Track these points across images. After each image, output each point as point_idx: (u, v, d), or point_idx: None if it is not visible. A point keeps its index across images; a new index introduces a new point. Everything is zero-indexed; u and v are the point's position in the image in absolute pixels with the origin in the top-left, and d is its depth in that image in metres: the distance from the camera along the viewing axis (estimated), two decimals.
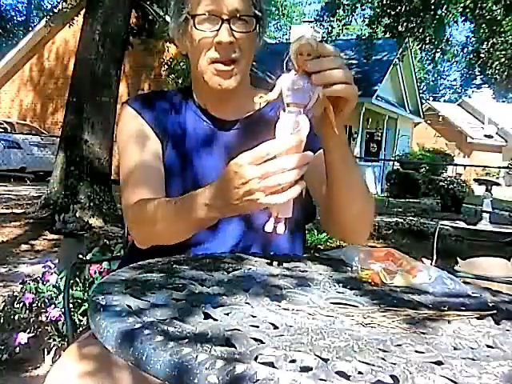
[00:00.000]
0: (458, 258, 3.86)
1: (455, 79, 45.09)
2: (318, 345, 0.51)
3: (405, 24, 8.54)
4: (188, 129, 1.09)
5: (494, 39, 8.32)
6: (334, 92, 0.75)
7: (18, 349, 2.16)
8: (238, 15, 0.98)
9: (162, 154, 1.06)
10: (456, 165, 18.83)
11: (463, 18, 8.80)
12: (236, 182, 0.73)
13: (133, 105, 1.10)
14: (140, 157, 1.05)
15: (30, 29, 16.30)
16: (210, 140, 1.08)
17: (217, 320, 0.57)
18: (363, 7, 10.12)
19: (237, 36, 0.98)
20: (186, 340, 0.49)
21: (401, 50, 10.24)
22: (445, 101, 38.72)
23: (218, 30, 0.97)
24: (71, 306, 2.23)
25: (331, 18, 9.82)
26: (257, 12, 1.02)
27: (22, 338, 2.11)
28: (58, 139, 6.67)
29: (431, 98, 35.58)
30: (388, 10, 8.67)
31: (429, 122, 24.08)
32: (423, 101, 24.25)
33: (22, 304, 2.34)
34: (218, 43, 0.98)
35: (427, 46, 9.24)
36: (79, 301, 2.30)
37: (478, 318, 0.64)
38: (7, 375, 2.09)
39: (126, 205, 1.01)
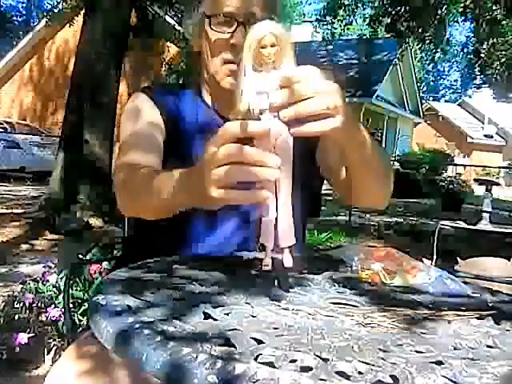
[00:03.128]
0: (458, 258, 3.86)
1: (456, 80, 45.11)
2: (317, 345, 0.51)
3: (405, 24, 8.54)
4: (195, 127, 1.07)
5: (494, 39, 8.32)
6: (303, 133, 0.63)
7: (17, 349, 2.16)
8: (253, 18, 0.98)
9: (163, 143, 1.05)
10: (456, 165, 18.82)
11: (463, 18, 8.80)
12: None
13: (145, 90, 1.10)
14: (141, 125, 1.04)
15: (30, 29, 16.29)
16: None
17: (217, 320, 0.57)
18: (364, 7, 10.11)
19: None
20: (186, 340, 0.49)
21: (401, 50, 10.23)
22: (445, 101, 38.74)
23: (233, 32, 0.98)
24: (71, 305, 2.23)
25: (332, 19, 9.82)
26: (273, 15, 1.01)
27: (22, 337, 2.11)
28: (58, 139, 6.67)
29: (431, 98, 35.60)
30: (389, 10, 8.66)
31: (429, 122, 24.09)
32: (423, 101, 24.27)
33: (21, 304, 2.34)
34: (232, 45, 0.98)
35: (427, 46, 9.24)
36: (79, 301, 2.30)
37: (477, 318, 0.64)
38: (7, 375, 2.09)
39: (116, 166, 1.00)
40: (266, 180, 0.61)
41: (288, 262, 0.66)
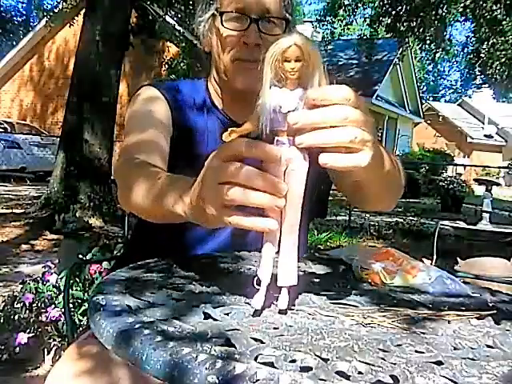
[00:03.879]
0: (458, 258, 3.86)
1: (456, 80, 45.14)
2: (317, 345, 0.51)
3: (405, 24, 8.55)
4: (201, 127, 1.06)
5: (494, 39, 8.32)
6: (320, 164, 0.54)
7: (17, 349, 2.16)
8: (267, 16, 0.96)
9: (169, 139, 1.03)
10: (456, 165, 18.84)
11: (463, 18, 8.81)
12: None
13: (152, 83, 1.08)
14: (147, 110, 1.02)
15: (30, 29, 16.31)
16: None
17: (217, 320, 0.57)
18: (364, 7, 10.12)
19: (264, 38, 0.95)
20: (186, 340, 0.49)
21: (401, 50, 10.24)
22: (445, 101, 38.78)
23: (245, 30, 0.96)
24: (71, 305, 2.23)
25: (333, 19, 9.83)
26: (287, 15, 0.99)
27: (22, 337, 2.11)
28: (58, 139, 6.67)
29: (431, 98, 35.61)
30: (389, 10, 8.67)
31: (429, 121, 24.12)
32: (423, 101, 24.29)
33: (22, 304, 2.34)
34: (244, 43, 0.96)
35: (427, 46, 9.25)
36: (79, 301, 2.30)
37: (477, 318, 0.64)
38: (7, 375, 2.09)
39: (122, 150, 0.96)
40: (269, 208, 0.55)
41: (283, 304, 0.59)
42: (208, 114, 1.07)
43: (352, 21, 10.13)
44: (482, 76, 10.27)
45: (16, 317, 2.31)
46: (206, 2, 1.01)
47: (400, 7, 8.49)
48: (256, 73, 0.98)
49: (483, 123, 26.02)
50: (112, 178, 6.24)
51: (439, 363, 0.48)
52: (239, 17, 0.96)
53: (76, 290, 2.35)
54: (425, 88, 39.73)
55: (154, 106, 1.02)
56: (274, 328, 0.55)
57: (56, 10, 10.45)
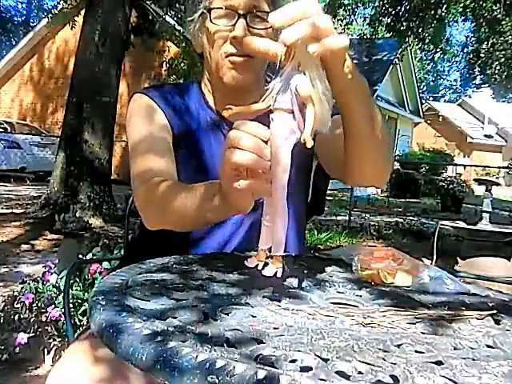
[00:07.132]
0: (458, 258, 3.87)
1: (455, 79, 45.15)
2: (317, 345, 0.51)
3: (405, 23, 8.55)
4: (196, 129, 1.07)
5: (494, 39, 8.33)
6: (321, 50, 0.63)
7: (17, 349, 2.16)
8: (255, 11, 0.97)
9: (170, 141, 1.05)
10: (456, 165, 18.82)
11: (463, 18, 8.81)
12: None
13: (145, 91, 1.08)
14: (148, 128, 1.03)
15: (30, 29, 16.30)
16: (221, 143, 1.05)
17: (217, 320, 0.57)
18: (364, 6, 10.13)
19: (253, 32, 0.96)
20: (186, 340, 0.49)
21: (401, 49, 10.24)
22: (445, 101, 38.76)
23: (233, 25, 0.96)
24: (71, 306, 2.23)
25: (332, 19, 9.83)
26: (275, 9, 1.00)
27: (22, 337, 2.11)
28: (58, 139, 6.67)
29: (431, 98, 35.59)
30: (389, 9, 8.67)
31: (429, 121, 24.10)
32: (423, 101, 24.28)
33: (22, 304, 2.34)
34: (233, 38, 0.96)
35: (427, 46, 9.25)
36: (79, 301, 2.30)
37: (477, 318, 0.64)
38: (7, 375, 2.09)
39: (134, 176, 0.98)
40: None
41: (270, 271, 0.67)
42: (202, 117, 1.08)
43: (352, 21, 10.13)
44: (482, 76, 10.28)
45: (16, 317, 2.31)
46: (195, 2, 1.01)
47: (400, 7, 8.49)
48: (246, 68, 0.99)
49: (483, 123, 26.00)
50: (112, 178, 6.25)
51: (439, 363, 0.48)
52: (227, 13, 0.97)
53: (76, 290, 2.35)
54: (425, 88, 39.72)
55: (161, 132, 1.03)
56: (274, 328, 0.55)
57: (56, 11, 10.44)
